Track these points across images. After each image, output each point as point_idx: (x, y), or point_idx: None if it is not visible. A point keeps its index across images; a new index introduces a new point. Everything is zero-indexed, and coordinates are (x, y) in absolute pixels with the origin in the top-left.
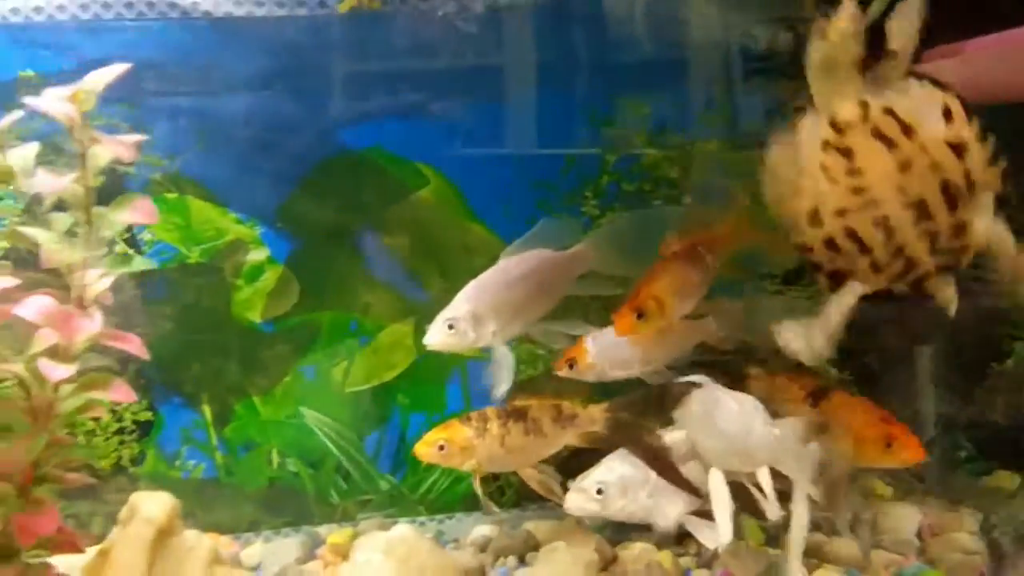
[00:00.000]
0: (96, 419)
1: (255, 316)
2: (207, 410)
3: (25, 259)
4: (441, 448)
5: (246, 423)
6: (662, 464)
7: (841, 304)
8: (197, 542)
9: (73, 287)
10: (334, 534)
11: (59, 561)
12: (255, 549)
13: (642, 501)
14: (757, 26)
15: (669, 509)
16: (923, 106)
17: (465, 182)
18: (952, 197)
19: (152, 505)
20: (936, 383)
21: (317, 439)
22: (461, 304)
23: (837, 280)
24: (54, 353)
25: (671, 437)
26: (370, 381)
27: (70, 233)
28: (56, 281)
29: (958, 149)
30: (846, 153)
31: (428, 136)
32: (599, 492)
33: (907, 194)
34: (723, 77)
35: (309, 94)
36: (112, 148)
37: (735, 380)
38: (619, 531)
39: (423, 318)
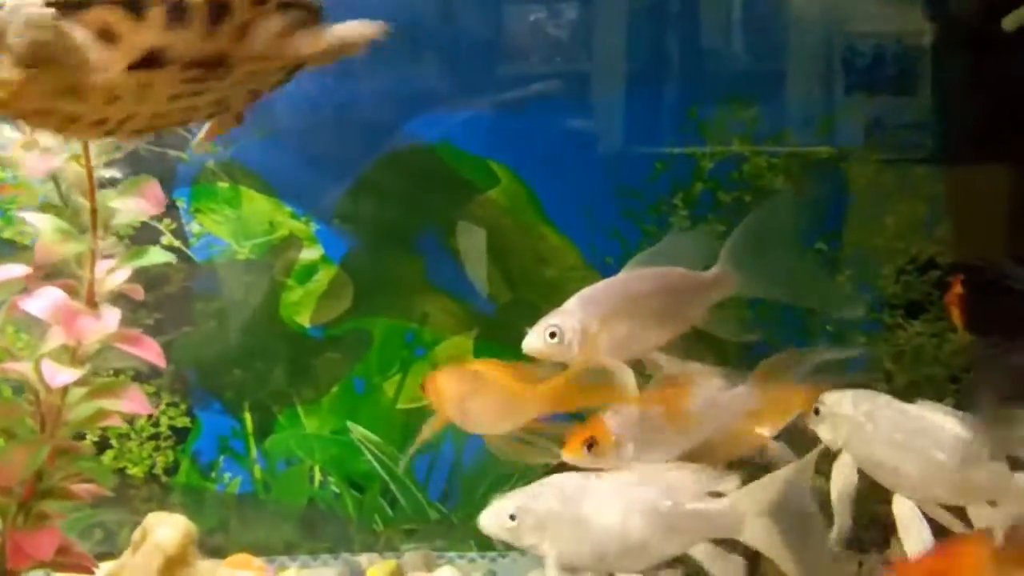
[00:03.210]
0: (130, 421)
1: (304, 320)
2: (248, 419)
3: None
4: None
5: (288, 436)
6: None
7: None
8: (211, 574)
9: (82, 282)
10: (375, 566)
11: None
12: (289, 574)
13: (568, 543)
14: (862, 39)
15: (622, 561)
16: None
17: (541, 184)
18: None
19: (165, 530)
20: None
21: (363, 458)
22: (571, 311)
23: None
24: (60, 355)
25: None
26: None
27: (81, 223)
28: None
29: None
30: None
31: (502, 132)
32: (512, 518)
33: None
34: (824, 89)
35: (376, 82)
36: None
37: None
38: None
39: (485, 331)
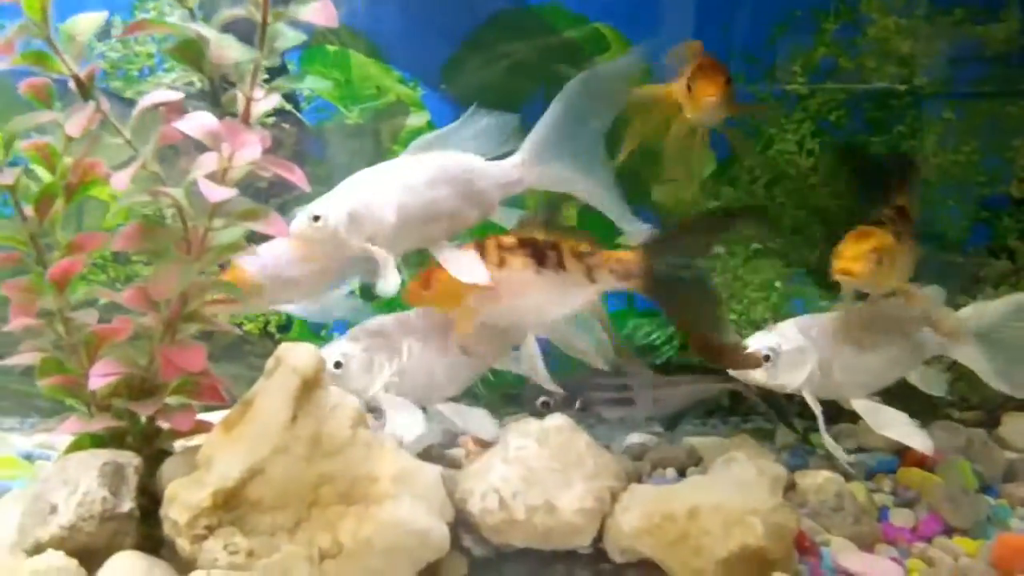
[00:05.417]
0: None
1: None
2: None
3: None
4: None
5: (395, 298)
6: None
7: None
8: (343, 400)
9: (240, 100)
10: None
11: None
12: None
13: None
14: None
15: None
16: None
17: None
18: None
19: (299, 355)
20: None
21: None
22: None
23: None
24: (214, 177)
25: None
26: None
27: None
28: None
29: None
30: None
31: None
32: (337, 365)
33: None
34: None
35: None
36: None
37: None
38: (795, 455)
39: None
